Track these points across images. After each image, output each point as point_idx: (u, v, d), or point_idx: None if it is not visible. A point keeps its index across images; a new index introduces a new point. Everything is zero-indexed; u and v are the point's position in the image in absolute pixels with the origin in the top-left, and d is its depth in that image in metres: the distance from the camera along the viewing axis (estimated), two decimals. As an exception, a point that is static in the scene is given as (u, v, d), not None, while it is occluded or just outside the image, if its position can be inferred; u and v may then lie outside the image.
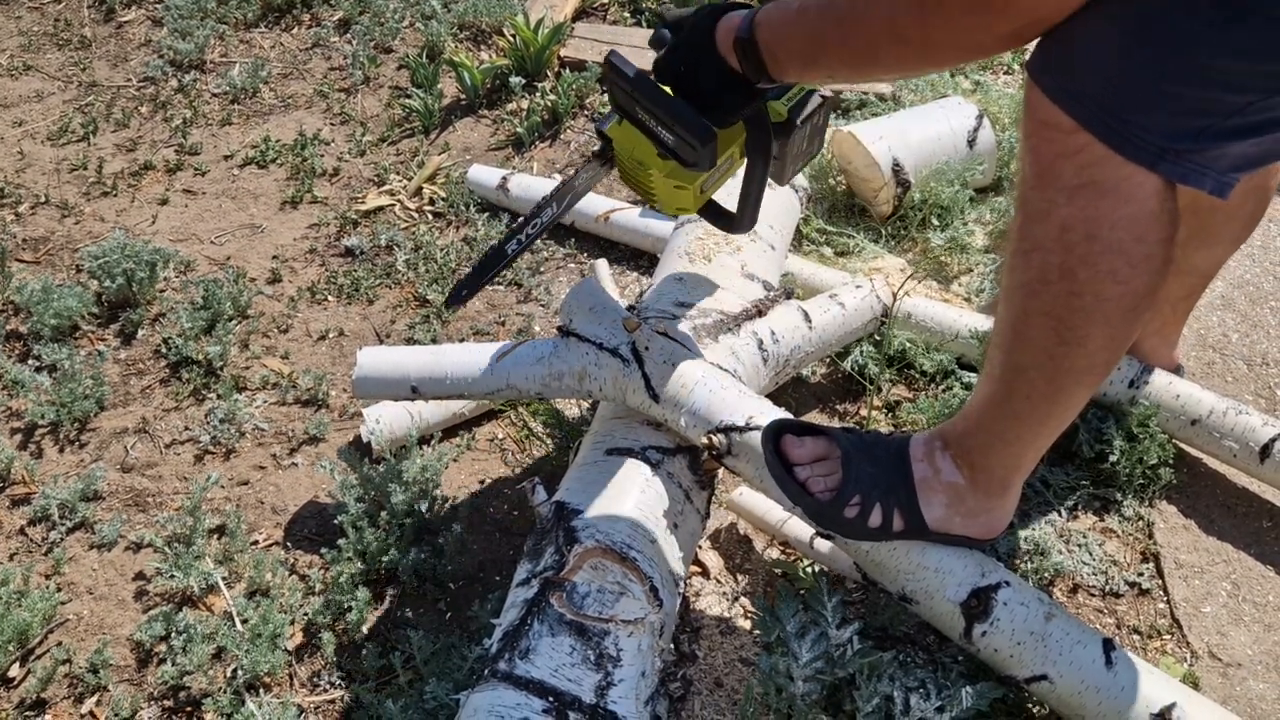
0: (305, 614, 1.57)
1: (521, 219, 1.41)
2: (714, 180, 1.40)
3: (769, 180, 1.40)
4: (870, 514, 1.28)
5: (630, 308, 1.58)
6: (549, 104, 2.79)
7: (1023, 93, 1.03)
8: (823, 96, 1.37)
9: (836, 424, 1.85)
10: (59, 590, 1.63)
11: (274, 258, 2.38)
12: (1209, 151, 0.94)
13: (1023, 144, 1.04)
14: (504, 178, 2.47)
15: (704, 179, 1.36)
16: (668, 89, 1.26)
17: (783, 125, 1.34)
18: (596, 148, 1.44)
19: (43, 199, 2.58)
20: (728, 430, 1.39)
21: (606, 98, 1.36)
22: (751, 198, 1.38)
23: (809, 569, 1.55)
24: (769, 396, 1.71)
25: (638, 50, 2.93)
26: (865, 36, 1.07)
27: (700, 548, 1.61)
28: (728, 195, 1.49)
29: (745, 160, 1.39)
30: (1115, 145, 0.95)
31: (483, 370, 1.56)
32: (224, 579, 1.62)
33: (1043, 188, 1.02)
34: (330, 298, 2.26)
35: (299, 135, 2.77)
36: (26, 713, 1.47)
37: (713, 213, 1.47)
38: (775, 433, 1.33)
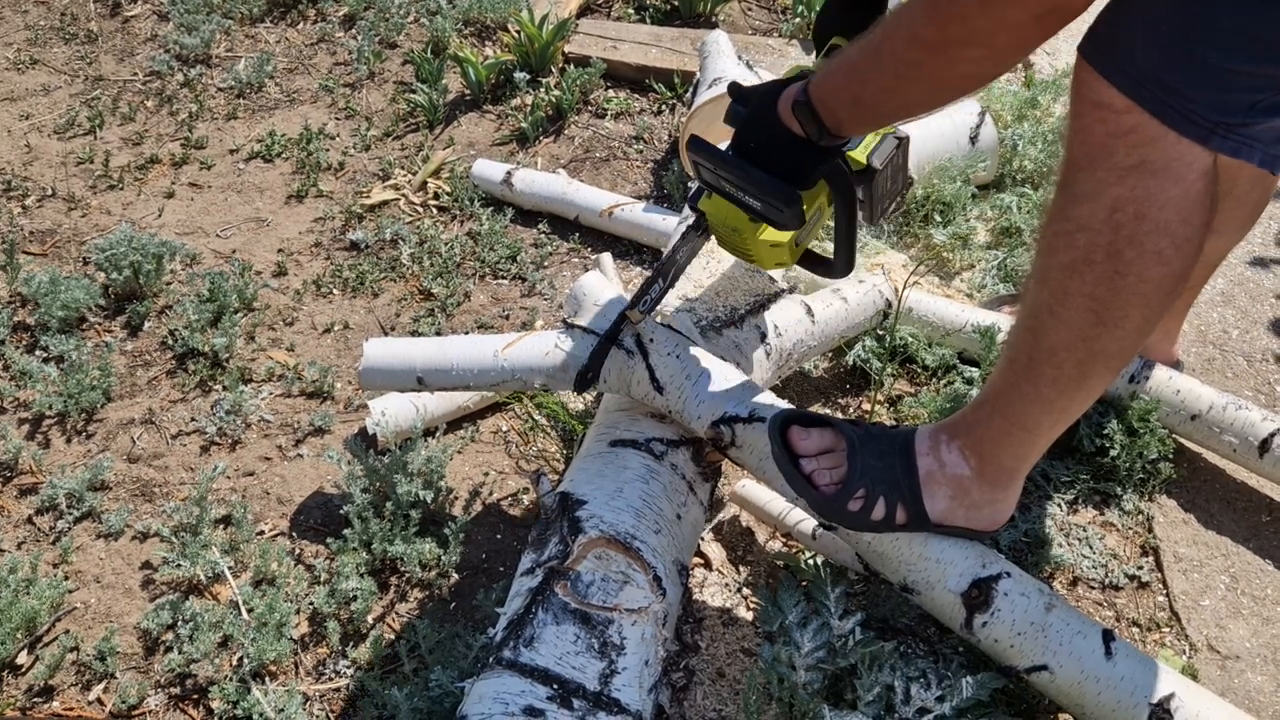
0: (311, 603, 1.58)
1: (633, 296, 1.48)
2: (807, 232, 1.45)
3: (862, 221, 1.45)
4: (874, 507, 1.29)
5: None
6: (553, 99, 2.80)
7: (1072, 77, 1.04)
8: (898, 138, 1.41)
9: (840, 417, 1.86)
10: (66, 579, 1.64)
11: (279, 251, 2.39)
12: (1259, 125, 0.95)
13: (1070, 125, 1.05)
14: (508, 173, 2.48)
15: (797, 233, 1.41)
16: (747, 161, 1.33)
17: (864, 171, 1.39)
18: (691, 220, 1.50)
19: (50, 192, 2.59)
20: (731, 422, 1.40)
21: (694, 175, 1.43)
22: (843, 245, 1.43)
23: (811, 560, 1.56)
24: (772, 390, 1.72)
25: (641, 46, 2.94)
26: (892, 54, 1.11)
27: (703, 539, 1.62)
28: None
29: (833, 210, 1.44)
30: (1170, 122, 0.96)
31: (488, 362, 1.57)
32: (230, 568, 1.64)
33: (1093, 168, 1.03)
34: (335, 291, 2.27)
35: (304, 130, 2.78)
36: (34, 699, 1.49)
37: (810, 261, 1.52)
38: (782, 424, 1.34)
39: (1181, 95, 0.95)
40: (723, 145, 1.35)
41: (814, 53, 1.51)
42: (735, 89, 1.36)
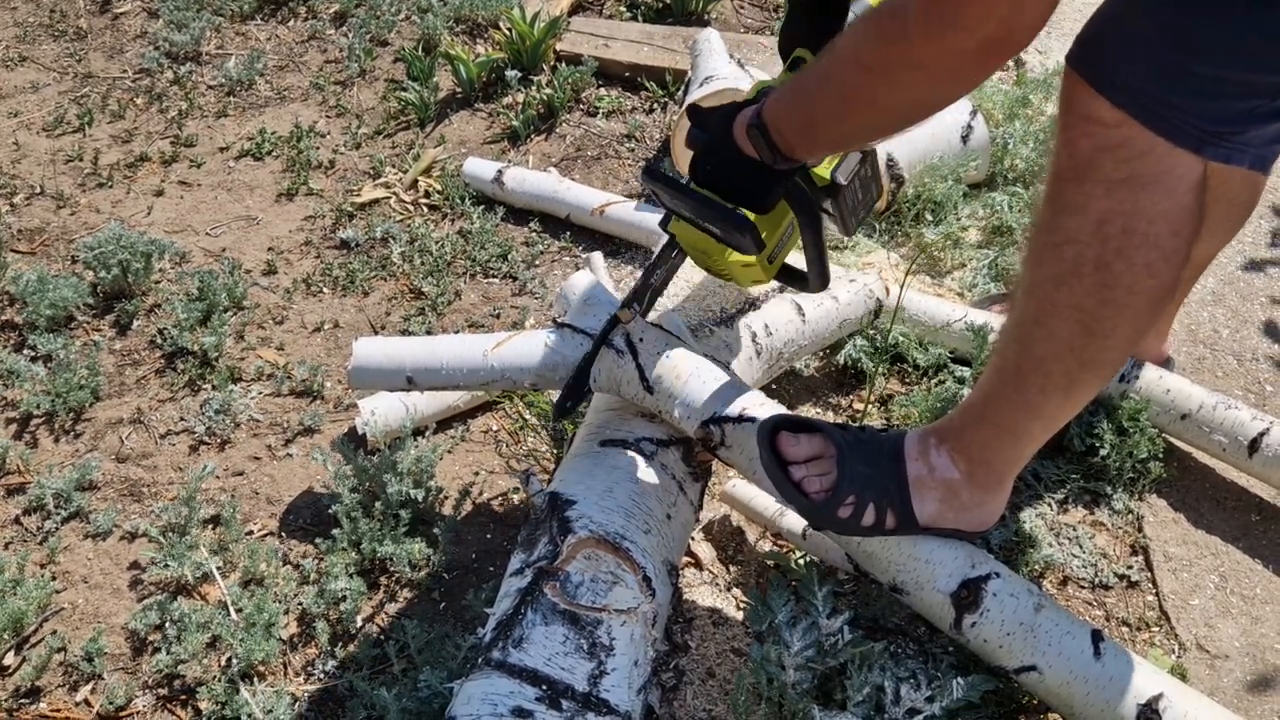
0: (299, 603, 1.58)
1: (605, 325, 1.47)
2: (780, 250, 1.44)
3: (840, 230, 1.45)
4: (863, 514, 1.29)
5: (625, 301, 1.58)
6: (545, 98, 2.80)
7: (1060, 87, 1.03)
8: (862, 151, 1.40)
9: (830, 418, 1.86)
10: (54, 579, 1.63)
11: (269, 249, 2.38)
12: (1251, 131, 0.95)
13: (1057, 137, 1.04)
14: (499, 171, 2.47)
15: (768, 251, 1.40)
16: (706, 188, 1.32)
17: (829, 187, 1.38)
18: (665, 240, 1.49)
19: (38, 190, 2.58)
20: (721, 422, 1.40)
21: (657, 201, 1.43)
22: (814, 261, 1.42)
23: (801, 560, 1.56)
24: (763, 389, 1.72)
25: (633, 44, 2.93)
26: (838, 78, 1.11)
27: (693, 539, 1.62)
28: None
29: None
30: (1161, 131, 0.95)
31: (478, 361, 1.57)
32: (218, 568, 1.63)
33: (1079, 182, 1.02)
34: (325, 289, 2.26)
35: (295, 127, 2.77)
36: (21, 700, 1.48)
37: (787, 276, 1.51)
38: (770, 430, 1.33)
39: (1174, 106, 0.94)
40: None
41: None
42: (694, 111, 1.35)
